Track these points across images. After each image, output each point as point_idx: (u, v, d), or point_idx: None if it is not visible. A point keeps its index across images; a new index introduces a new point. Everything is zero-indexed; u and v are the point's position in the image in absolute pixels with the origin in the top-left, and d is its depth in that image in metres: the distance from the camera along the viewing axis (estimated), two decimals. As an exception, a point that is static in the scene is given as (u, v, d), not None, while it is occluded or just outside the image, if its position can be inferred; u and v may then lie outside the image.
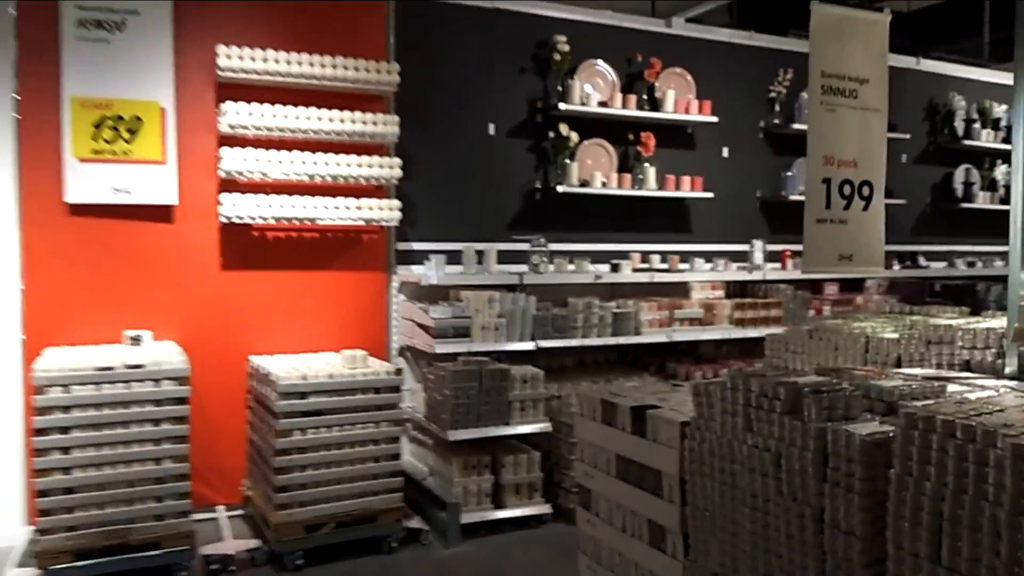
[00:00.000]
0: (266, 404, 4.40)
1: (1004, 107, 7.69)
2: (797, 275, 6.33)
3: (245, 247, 4.92)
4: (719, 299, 5.97)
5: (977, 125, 7.45)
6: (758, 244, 6.29)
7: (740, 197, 6.60)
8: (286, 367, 4.46)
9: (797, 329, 4.05)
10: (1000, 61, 8.08)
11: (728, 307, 5.89)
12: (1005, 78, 8.00)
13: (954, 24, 8.80)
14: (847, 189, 3.10)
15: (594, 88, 5.79)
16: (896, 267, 6.90)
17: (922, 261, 7.18)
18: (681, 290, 5.97)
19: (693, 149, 6.39)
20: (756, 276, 6.17)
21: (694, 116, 6.08)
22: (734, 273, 6.12)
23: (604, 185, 5.83)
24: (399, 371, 4.55)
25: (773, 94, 6.58)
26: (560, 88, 5.70)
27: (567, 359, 5.81)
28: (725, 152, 6.50)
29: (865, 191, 3.20)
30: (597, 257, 5.85)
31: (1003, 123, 7.61)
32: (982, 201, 7.52)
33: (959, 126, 7.42)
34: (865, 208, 3.19)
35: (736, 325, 5.89)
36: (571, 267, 5.59)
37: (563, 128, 5.67)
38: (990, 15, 8.31)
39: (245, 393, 4.85)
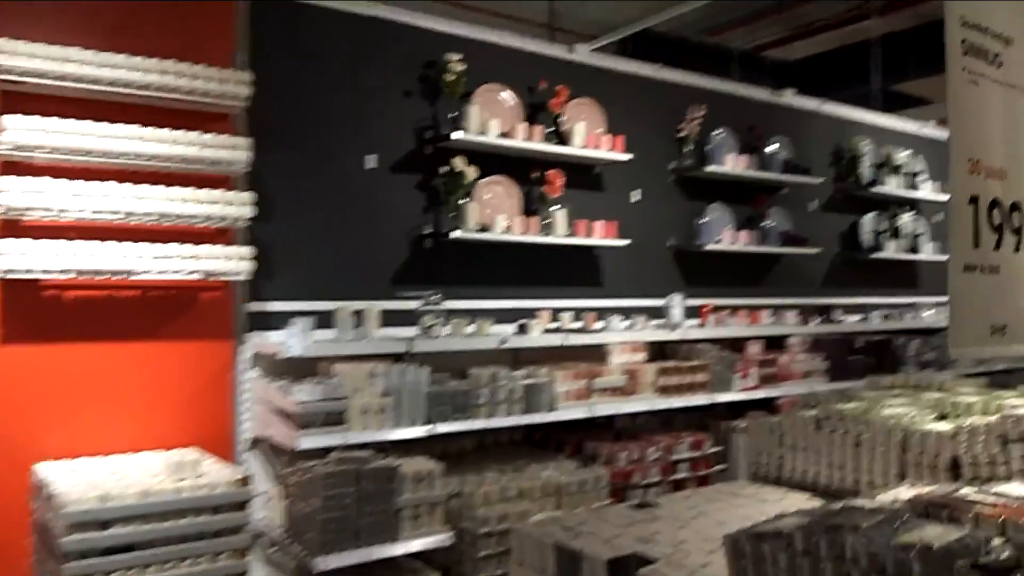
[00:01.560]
0: (51, 538, 2.96)
1: (907, 153, 7.20)
2: (718, 333, 5.42)
3: (32, 311, 3.49)
4: (641, 363, 4.94)
5: (882, 171, 6.88)
6: (676, 299, 5.34)
7: (653, 246, 5.66)
8: (82, 481, 3.05)
9: (798, 416, 3.02)
10: (889, 111, 7.65)
11: (651, 373, 4.87)
12: (906, 125, 7.57)
13: (843, 72, 8.39)
14: (996, 216, 2.06)
15: (493, 116, 4.71)
16: (816, 322, 6.13)
17: (837, 315, 6.46)
18: (597, 353, 4.91)
19: (602, 191, 5.41)
20: (677, 335, 5.19)
21: (606, 153, 5.11)
22: (653, 332, 5.13)
23: (508, 230, 4.73)
24: (246, 480, 3.22)
25: (683, 133, 5.72)
26: (454, 115, 4.59)
27: (465, 442, 4.60)
28: (636, 195, 5.57)
29: (1017, 220, 2.15)
30: (500, 316, 4.72)
31: (904, 170, 7.09)
32: (891, 250, 6.93)
33: (865, 172, 6.83)
34: (1018, 248, 2.14)
35: (660, 393, 4.88)
36: (471, 329, 4.43)
37: (458, 162, 4.55)
38: (882, 64, 7.93)
39: (28, 517, 3.36)
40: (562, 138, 5.02)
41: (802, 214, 6.54)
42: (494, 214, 4.72)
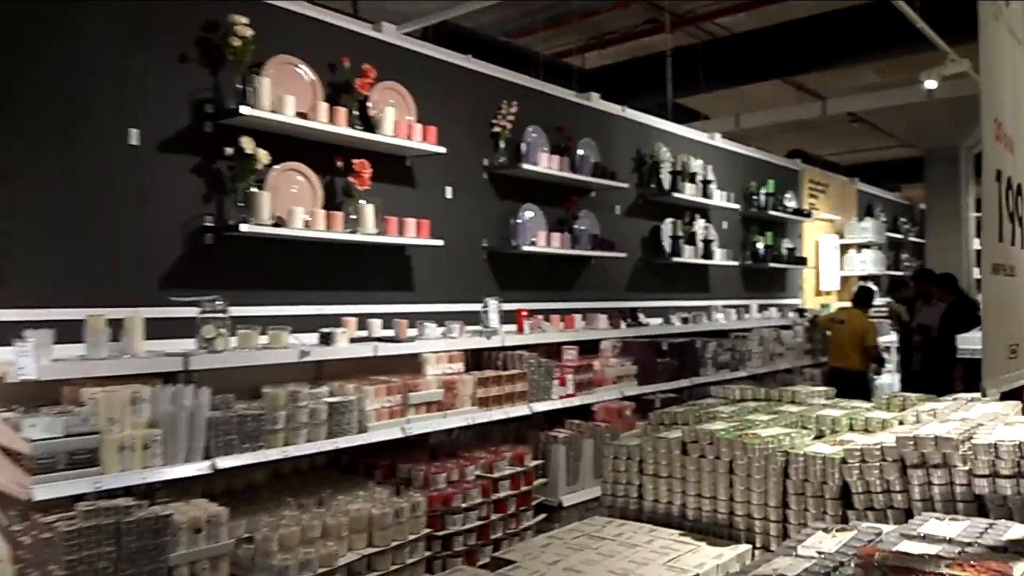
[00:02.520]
0: None
1: (700, 162, 7.28)
2: (536, 339, 5.03)
3: None
4: (459, 374, 4.41)
5: (679, 179, 6.89)
6: (492, 303, 4.88)
7: (467, 247, 5.17)
8: None
9: (659, 439, 2.60)
10: (680, 122, 7.75)
11: (470, 384, 4.36)
12: (698, 135, 7.68)
13: (637, 84, 8.43)
14: (1010, 200, 1.67)
15: (288, 92, 3.98)
16: (625, 326, 5.93)
17: (642, 318, 6.33)
18: (411, 365, 4.32)
19: (414, 186, 4.84)
20: (495, 342, 4.72)
21: (419, 143, 4.54)
22: (471, 339, 4.62)
23: (308, 225, 4.02)
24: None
25: (497, 128, 5.29)
26: (241, 87, 3.81)
27: (257, 474, 3.82)
28: (449, 192, 5.04)
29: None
30: (298, 324, 3.99)
31: (699, 178, 7.17)
32: (688, 255, 6.95)
33: (665, 178, 6.79)
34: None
35: (480, 406, 4.38)
36: (263, 340, 3.67)
37: (247, 143, 3.78)
38: (672, 77, 8.04)
39: None
40: (369, 124, 4.39)
41: (609, 217, 6.36)
42: (291, 206, 3.99)
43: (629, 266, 6.63)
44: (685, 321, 6.56)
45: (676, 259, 6.86)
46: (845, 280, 10.81)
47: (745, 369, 6.96)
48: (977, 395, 2.88)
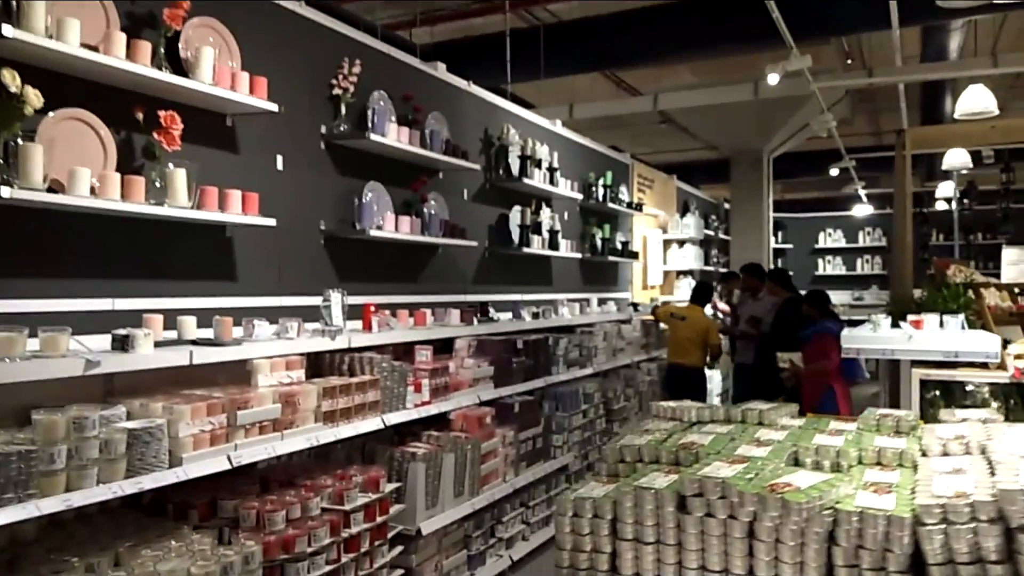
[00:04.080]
0: None
1: (546, 148, 6.83)
2: (386, 338, 4.29)
3: None
4: (300, 383, 3.58)
5: (527, 164, 6.39)
6: (335, 297, 4.08)
7: (302, 229, 4.32)
8: None
9: (643, 491, 1.99)
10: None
11: (314, 396, 3.54)
12: (544, 121, 7.23)
13: (474, 65, 7.84)
14: None
15: (70, 15, 2.95)
16: (475, 322, 5.32)
17: (492, 313, 5.75)
18: (237, 374, 3.43)
19: (237, 151, 3.91)
20: (339, 343, 3.93)
21: (244, 97, 3.64)
22: (311, 341, 3.79)
23: (96, 193, 3.02)
24: None
25: (338, 91, 4.47)
26: (2, 1, 2.75)
27: (26, 524, 2.79)
28: (279, 162, 4.16)
29: None
30: (83, 324, 2.99)
31: (546, 165, 6.71)
32: (536, 246, 6.47)
33: (514, 163, 6.26)
34: None
35: (326, 422, 3.58)
36: (34, 346, 2.66)
37: (9, 78, 2.73)
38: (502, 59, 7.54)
39: None
40: (180, 67, 3.43)
41: (456, 202, 5.71)
42: (73, 166, 2.97)
43: (477, 256, 6.03)
44: (536, 316, 6.06)
45: (524, 250, 6.35)
46: (667, 275, 10.93)
47: (592, 366, 6.61)
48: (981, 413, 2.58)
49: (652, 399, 7.77)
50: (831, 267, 16.40)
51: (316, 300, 4.07)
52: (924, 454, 2.40)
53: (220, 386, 3.33)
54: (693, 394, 7.61)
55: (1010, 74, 8.38)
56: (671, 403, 2.97)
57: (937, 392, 5.73)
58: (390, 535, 3.78)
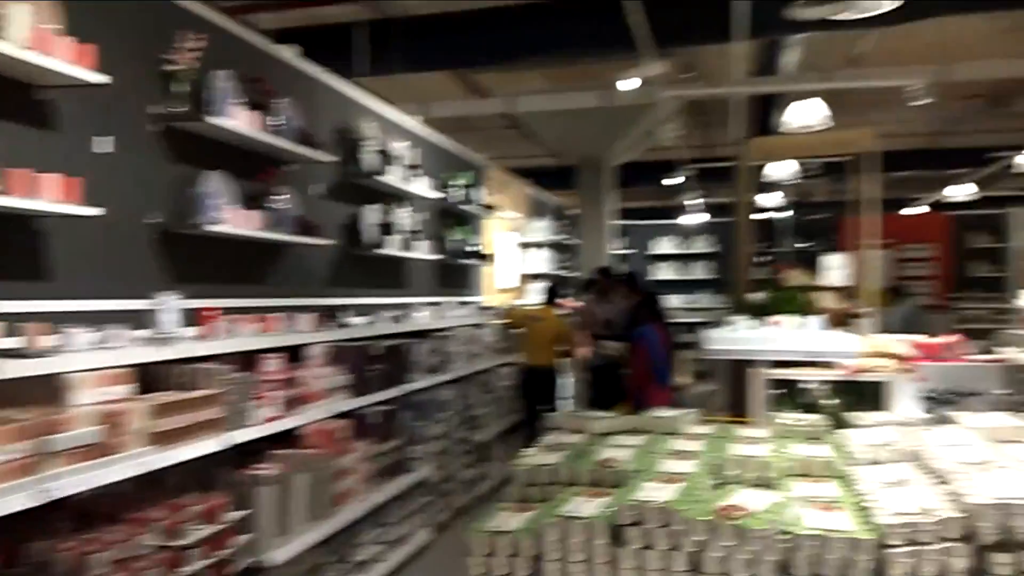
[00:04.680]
0: None
1: (405, 145, 6.52)
2: (228, 346, 3.84)
3: None
4: (126, 400, 3.08)
5: (384, 161, 6.05)
6: (169, 300, 3.59)
7: (130, 221, 3.78)
8: None
9: (564, 521, 1.75)
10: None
11: (143, 414, 3.06)
12: (402, 117, 6.90)
13: (323, 53, 7.39)
14: None
15: None
16: (332, 327, 4.94)
17: (346, 318, 5.37)
18: (49, 390, 2.89)
19: (54, 129, 3.34)
20: (173, 353, 3.44)
21: (65, 65, 3.10)
22: (140, 351, 3.29)
23: None
24: None
25: (175, 67, 3.96)
26: None
27: None
28: (103, 144, 3.61)
29: None
30: None
31: (403, 162, 6.41)
32: (391, 247, 6.14)
33: (370, 159, 5.90)
34: None
35: (158, 444, 3.11)
36: None
37: None
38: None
39: None
40: (-20, 24, 2.85)
41: (309, 198, 5.28)
42: None
43: (330, 257, 5.62)
44: (396, 320, 5.73)
45: (381, 250, 6.00)
46: (521, 278, 10.90)
47: (449, 372, 6.37)
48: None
49: (509, 404, 7.64)
50: (667, 272, 17.08)
51: (146, 304, 3.56)
52: (852, 464, 2.35)
53: (28, 405, 2.78)
54: (548, 396, 7.60)
55: (842, 90, 8.98)
56: (575, 413, 2.80)
57: (786, 391, 5.99)
58: (236, 570, 3.34)
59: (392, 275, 6.69)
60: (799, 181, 11.53)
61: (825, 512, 1.92)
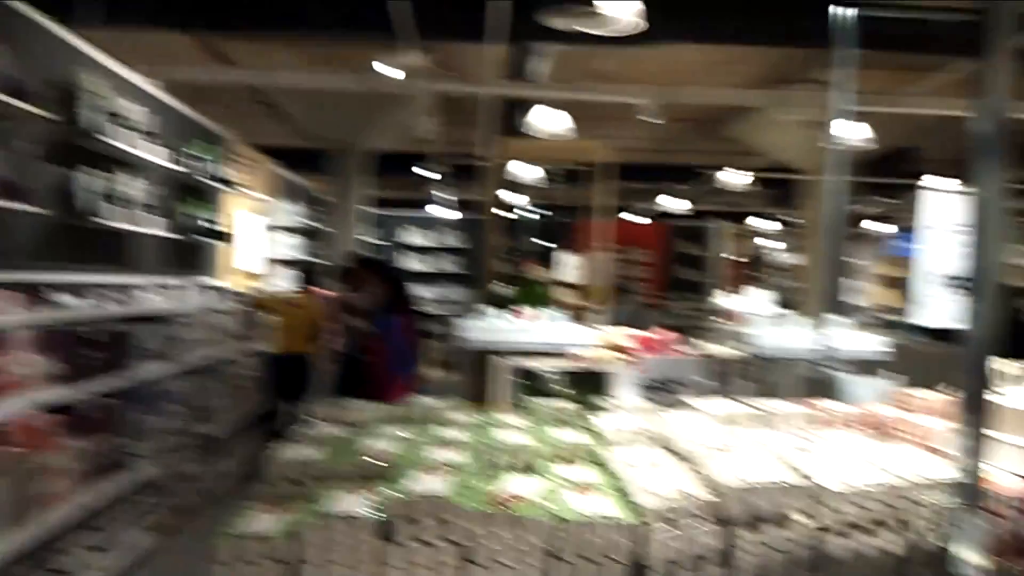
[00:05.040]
0: None
1: (137, 107, 5.82)
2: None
3: None
4: None
5: (110, 121, 5.35)
6: None
7: None
8: None
9: (335, 518, 1.60)
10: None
11: None
12: (136, 76, 6.14)
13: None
14: None
15: None
16: (41, 308, 4.26)
17: (58, 297, 4.67)
18: None
19: None
20: None
21: None
22: None
23: None
24: None
25: None
26: None
27: None
28: None
29: None
30: None
31: (133, 126, 5.73)
32: (115, 219, 5.46)
33: (94, 118, 5.18)
34: None
35: None
36: None
37: None
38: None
39: None
40: None
41: (12, 156, 4.49)
42: None
43: (39, 226, 4.83)
44: (119, 302, 5.08)
45: (99, 221, 5.29)
46: (268, 263, 10.30)
47: (180, 360, 5.81)
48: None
49: (251, 396, 7.17)
50: (417, 263, 17.17)
51: None
52: (604, 447, 2.43)
53: None
54: (301, 386, 7.25)
55: (584, 102, 9.56)
56: (334, 403, 2.62)
57: (527, 380, 6.23)
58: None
59: (115, 251, 5.94)
60: (543, 185, 12.16)
61: (588, 496, 1.96)
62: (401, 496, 1.81)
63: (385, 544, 1.77)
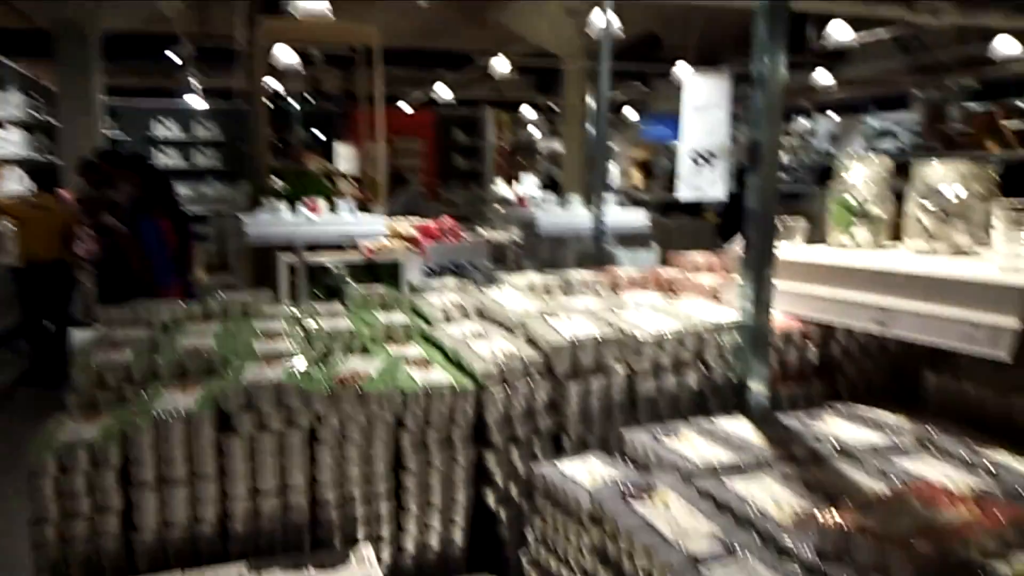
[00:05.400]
0: None
1: None
2: None
3: None
4: None
5: None
6: None
7: None
8: None
9: (164, 416, 1.43)
10: None
11: None
12: None
13: None
14: None
15: None
16: None
17: None
18: None
19: None
20: None
21: None
22: None
23: None
24: None
25: None
26: None
27: None
28: None
29: None
30: None
31: None
32: None
33: None
34: None
35: None
36: None
37: None
38: None
39: None
40: None
41: None
42: None
43: None
44: None
45: None
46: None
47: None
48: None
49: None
50: (169, 159, 15.69)
51: None
52: (430, 325, 2.45)
53: None
54: (63, 294, 6.49)
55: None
56: (130, 305, 2.38)
57: (311, 275, 6.08)
58: None
59: None
60: (308, 72, 11.48)
61: (428, 371, 2.01)
62: (237, 386, 1.74)
63: (226, 436, 1.71)
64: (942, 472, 1.78)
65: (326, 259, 6.79)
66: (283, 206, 6.07)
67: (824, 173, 7.27)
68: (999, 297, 1.90)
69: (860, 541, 1.35)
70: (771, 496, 1.63)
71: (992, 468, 1.78)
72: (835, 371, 2.66)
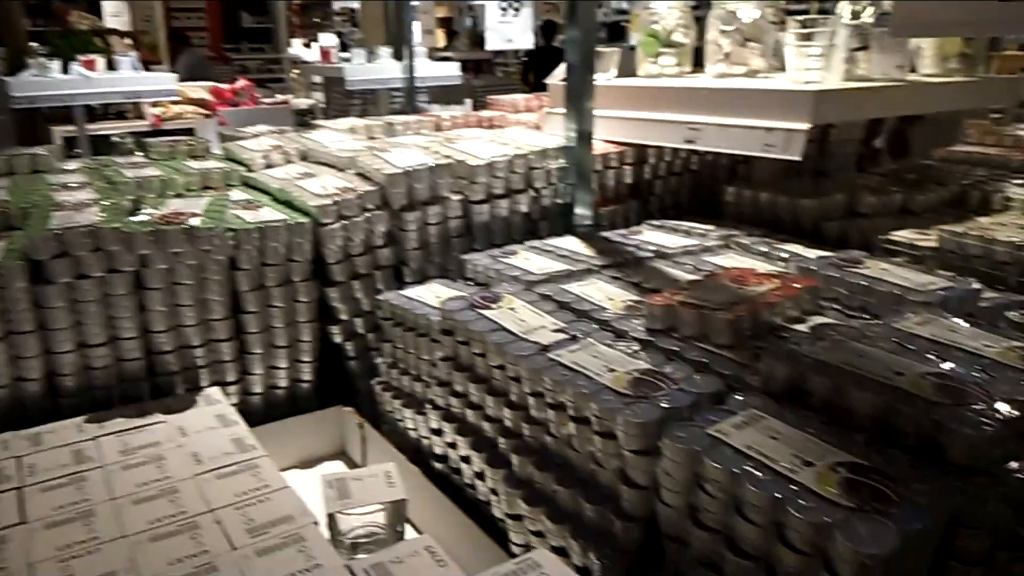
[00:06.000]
0: None
1: None
2: None
3: None
4: None
5: None
6: None
7: None
8: None
9: None
10: None
11: None
12: None
13: None
14: None
15: None
16: None
17: None
18: None
19: None
20: None
21: None
22: None
23: None
24: None
25: None
26: None
27: None
28: None
29: None
30: None
31: None
32: None
33: None
34: None
35: None
36: None
37: None
38: None
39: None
40: None
41: None
42: None
43: None
44: None
45: None
46: None
47: None
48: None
49: None
50: None
51: None
52: (250, 171, 2.31)
53: None
54: None
55: None
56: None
57: (113, 146, 5.48)
58: None
59: None
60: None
61: (258, 211, 1.92)
62: (46, 234, 1.58)
63: (40, 287, 1.56)
64: (746, 263, 2.00)
65: (109, 129, 6.15)
66: (55, 64, 5.32)
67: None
68: (791, 103, 2.10)
69: (684, 313, 1.51)
70: (604, 294, 1.77)
71: (787, 256, 2.03)
72: (648, 191, 2.85)
